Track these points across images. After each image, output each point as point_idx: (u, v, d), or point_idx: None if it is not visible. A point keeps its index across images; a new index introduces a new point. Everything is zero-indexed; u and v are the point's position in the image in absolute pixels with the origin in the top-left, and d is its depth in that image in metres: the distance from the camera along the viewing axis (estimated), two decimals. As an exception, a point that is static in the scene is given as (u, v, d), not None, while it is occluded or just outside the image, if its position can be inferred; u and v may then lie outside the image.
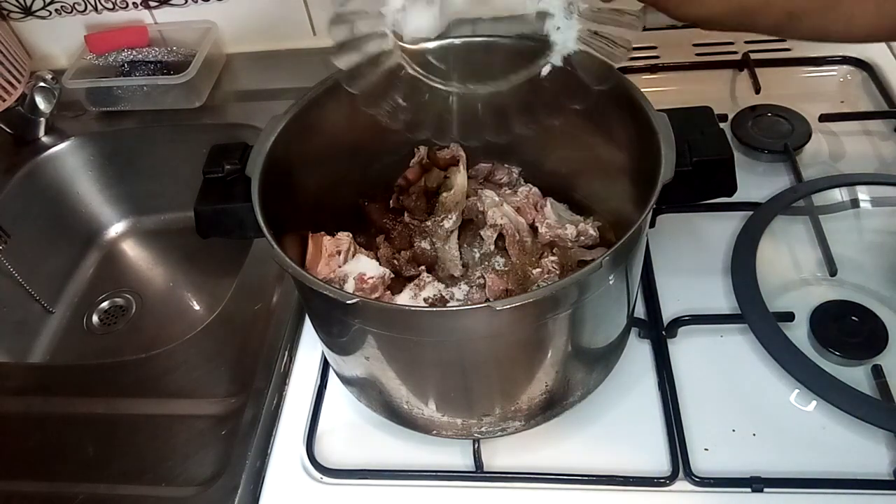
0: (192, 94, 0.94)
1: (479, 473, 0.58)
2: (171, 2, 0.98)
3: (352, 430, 0.63)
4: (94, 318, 0.94)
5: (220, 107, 0.96)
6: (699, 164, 0.53)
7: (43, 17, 1.01)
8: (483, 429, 0.56)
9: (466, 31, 0.97)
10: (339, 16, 0.53)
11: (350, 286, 0.58)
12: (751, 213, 0.71)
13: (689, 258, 0.71)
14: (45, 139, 0.96)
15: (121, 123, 0.96)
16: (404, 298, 0.59)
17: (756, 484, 0.55)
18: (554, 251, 0.62)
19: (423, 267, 0.63)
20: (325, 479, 0.60)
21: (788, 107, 0.83)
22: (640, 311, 0.66)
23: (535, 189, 0.67)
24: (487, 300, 0.57)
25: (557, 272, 0.60)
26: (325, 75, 0.60)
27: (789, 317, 0.62)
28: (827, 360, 0.61)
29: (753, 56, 0.90)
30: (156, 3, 0.98)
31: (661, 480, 0.56)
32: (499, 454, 0.60)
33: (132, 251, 1.03)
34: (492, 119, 0.55)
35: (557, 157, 0.67)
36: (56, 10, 1.00)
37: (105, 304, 0.96)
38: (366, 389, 0.59)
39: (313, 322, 0.60)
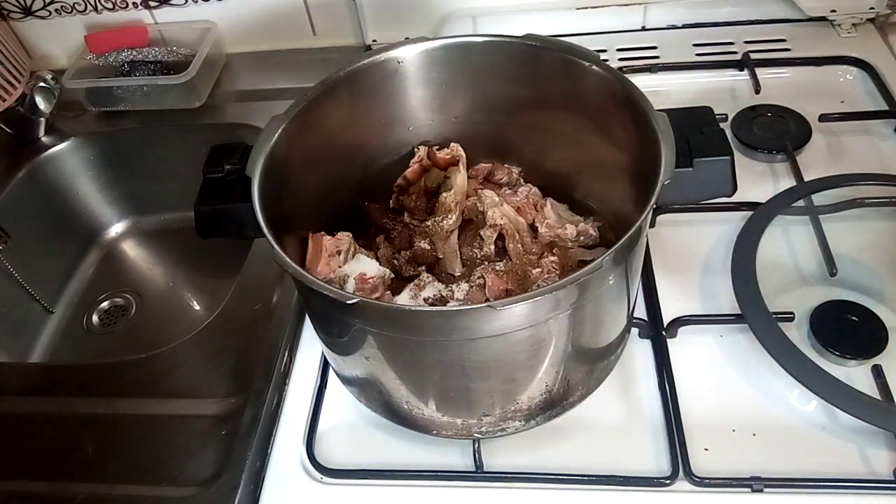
0: (192, 94, 0.94)
1: (479, 473, 0.58)
2: (171, 2, 0.98)
3: (352, 430, 0.63)
4: (94, 318, 0.94)
5: (220, 107, 0.96)
6: (699, 164, 0.53)
7: (43, 17, 1.01)
8: (483, 429, 0.56)
9: (466, 29, 0.97)
10: None
11: (350, 286, 0.58)
12: (751, 213, 0.71)
13: (689, 258, 0.71)
14: (45, 139, 0.96)
15: (121, 123, 0.97)
16: (404, 298, 0.59)
17: (756, 484, 0.55)
18: (554, 251, 0.62)
19: (423, 267, 0.63)
20: (325, 479, 0.60)
21: (788, 107, 0.83)
22: (640, 311, 0.66)
23: (535, 189, 0.67)
24: (487, 300, 0.57)
25: (557, 272, 0.60)
26: (325, 75, 0.60)
27: (789, 317, 0.62)
28: (827, 360, 0.61)
29: (753, 56, 0.90)
30: (156, 3, 0.98)
31: (661, 480, 0.56)
32: (499, 454, 0.60)
33: (132, 251, 1.03)
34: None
35: (557, 157, 0.67)
36: (56, 10, 1.00)
37: (105, 304, 0.96)
38: (366, 389, 0.59)
39: (313, 322, 0.60)
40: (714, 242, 0.72)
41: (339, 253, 0.60)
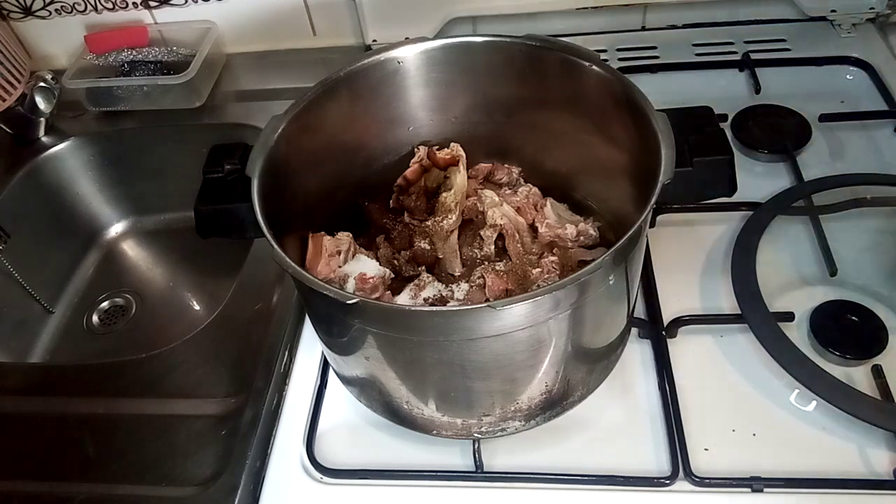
0: (192, 94, 0.94)
1: (479, 473, 0.58)
2: (171, 2, 0.98)
3: (352, 430, 0.63)
4: (94, 318, 0.94)
5: (220, 107, 0.96)
6: (699, 164, 0.53)
7: (43, 17, 1.01)
8: (483, 429, 0.56)
9: (466, 31, 0.97)
10: None
11: (350, 286, 0.58)
12: (751, 213, 0.71)
13: (689, 258, 0.71)
14: (45, 139, 0.96)
15: (121, 123, 0.96)
16: (404, 298, 0.59)
17: (756, 484, 0.55)
18: (554, 251, 0.62)
19: (423, 267, 0.63)
20: (325, 479, 0.60)
21: (788, 107, 0.83)
22: (640, 311, 0.66)
23: (535, 189, 0.67)
24: (487, 300, 0.57)
25: (557, 272, 0.60)
26: (325, 75, 0.60)
27: (789, 317, 0.62)
28: (827, 360, 0.61)
29: (753, 56, 0.90)
30: (156, 3, 0.98)
31: (661, 480, 0.56)
32: (499, 454, 0.60)
33: (132, 251, 1.03)
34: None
35: (557, 157, 0.67)
36: (56, 10, 1.00)
37: (105, 304, 0.96)
38: (366, 389, 0.59)
39: (313, 322, 0.60)
40: (714, 242, 0.72)
41: (339, 253, 0.60)
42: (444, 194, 0.64)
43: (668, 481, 0.56)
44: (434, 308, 0.56)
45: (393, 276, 0.61)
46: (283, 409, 0.65)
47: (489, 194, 0.65)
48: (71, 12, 1.00)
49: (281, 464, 0.61)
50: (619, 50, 0.95)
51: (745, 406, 0.60)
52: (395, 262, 0.64)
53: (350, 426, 0.63)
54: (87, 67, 0.98)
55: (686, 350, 0.64)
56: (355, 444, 0.62)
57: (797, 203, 0.71)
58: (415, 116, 0.66)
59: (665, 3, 0.95)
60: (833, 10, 0.93)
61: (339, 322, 0.52)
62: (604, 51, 0.95)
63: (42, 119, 0.94)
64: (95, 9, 0.99)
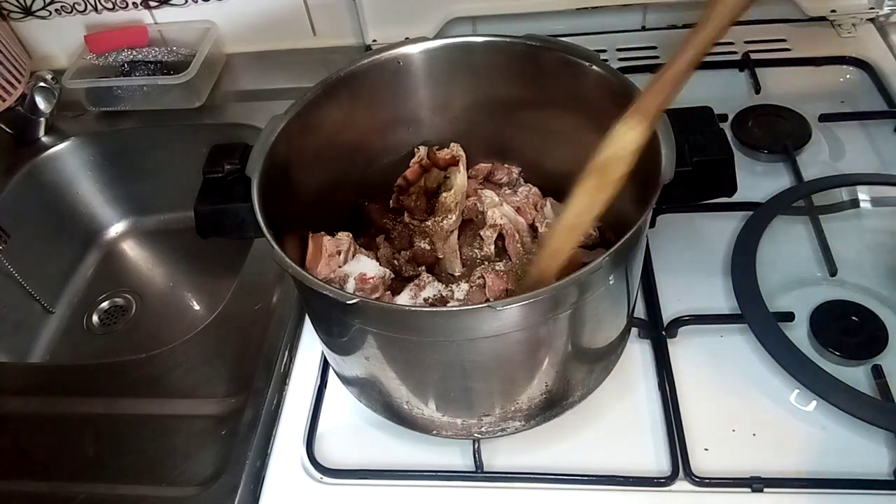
0: (192, 94, 0.94)
1: (479, 473, 0.58)
2: (171, 2, 0.98)
3: (352, 430, 0.63)
4: (94, 318, 0.94)
5: (220, 107, 0.96)
6: (699, 164, 0.53)
7: (43, 17, 1.01)
8: (483, 429, 0.56)
9: (466, 31, 0.97)
10: None
11: (350, 286, 0.58)
12: (751, 213, 0.71)
13: (689, 258, 0.71)
14: (45, 139, 0.96)
15: (121, 123, 0.96)
16: (404, 298, 0.59)
17: (756, 484, 0.55)
18: (554, 251, 0.62)
19: (423, 267, 0.63)
20: (325, 479, 0.60)
21: (788, 107, 0.83)
22: (640, 311, 0.66)
23: (535, 189, 0.67)
24: (487, 300, 0.57)
25: (557, 272, 0.60)
26: (325, 75, 0.60)
27: (789, 317, 0.62)
28: (827, 360, 0.61)
29: (753, 56, 0.90)
30: (156, 3, 0.98)
31: (661, 480, 0.56)
32: (499, 454, 0.60)
33: (132, 251, 1.03)
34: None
35: (557, 157, 0.67)
36: (56, 10, 1.00)
37: (105, 304, 0.96)
38: (366, 389, 0.59)
39: (313, 322, 0.60)
40: (714, 242, 0.72)
41: (339, 253, 0.60)
42: (444, 194, 0.64)
43: (668, 481, 0.56)
44: (434, 308, 0.56)
45: (393, 276, 0.61)
46: (283, 410, 0.65)
47: (489, 194, 0.65)
48: (71, 12, 1.00)
49: (281, 464, 0.61)
50: (619, 50, 0.95)
51: (745, 406, 0.60)
52: (395, 262, 0.64)
53: (350, 426, 0.63)
54: (87, 67, 0.98)
55: (686, 350, 0.64)
56: (355, 444, 0.62)
57: (797, 203, 0.71)
58: (415, 116, 0.66)
59: (665, 3, 0.95)
60: (833, 10, 0.93)
61: (339, 322, 0.52)
62: (604, 51, 0.95)
63: (42, 119, 0.94)
64: (95, 9, 0.99)
